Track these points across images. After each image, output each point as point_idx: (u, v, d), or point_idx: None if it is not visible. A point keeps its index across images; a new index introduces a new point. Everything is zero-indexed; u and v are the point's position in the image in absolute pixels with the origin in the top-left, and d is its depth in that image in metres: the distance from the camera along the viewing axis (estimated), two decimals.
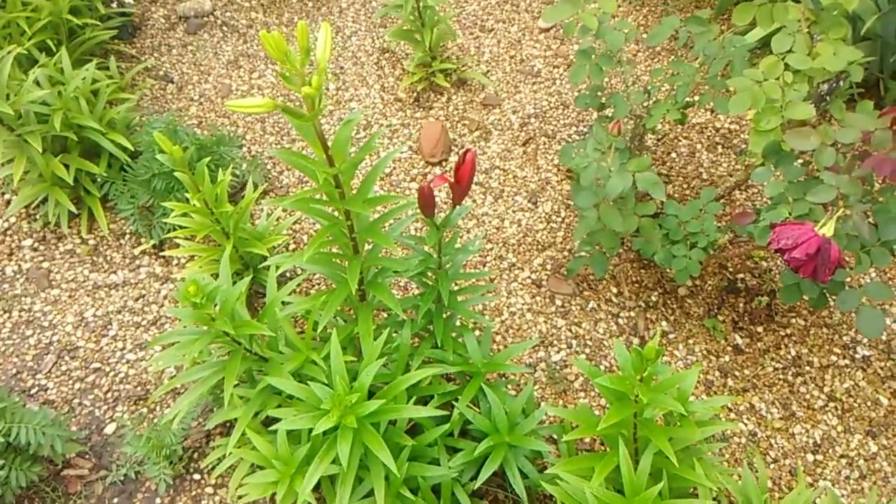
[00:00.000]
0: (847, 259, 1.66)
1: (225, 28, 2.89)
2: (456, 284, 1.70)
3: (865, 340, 1.98)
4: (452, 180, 1.43)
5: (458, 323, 1.71)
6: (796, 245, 1.37)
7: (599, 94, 2.12)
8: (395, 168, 2.40)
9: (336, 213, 1.51)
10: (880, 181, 1.55)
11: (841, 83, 1.75)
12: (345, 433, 1.29)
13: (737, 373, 1.92)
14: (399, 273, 1.57)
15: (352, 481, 1.37)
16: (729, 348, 1.97)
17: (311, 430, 1.38)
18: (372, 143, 1.40)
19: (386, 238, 1.47)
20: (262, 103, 1.23)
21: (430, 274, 1.58)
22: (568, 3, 1.80)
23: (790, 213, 1.59)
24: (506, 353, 1.63)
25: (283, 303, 1.62)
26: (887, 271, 2.11)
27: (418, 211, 1.45)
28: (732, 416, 1.84)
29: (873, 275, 2.11)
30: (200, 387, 1.51)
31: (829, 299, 1.71)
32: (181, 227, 1.87)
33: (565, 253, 2.17)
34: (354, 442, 1.31)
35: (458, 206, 1.51)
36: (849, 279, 1.97)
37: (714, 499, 1.49)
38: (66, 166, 2.15)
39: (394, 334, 1.65)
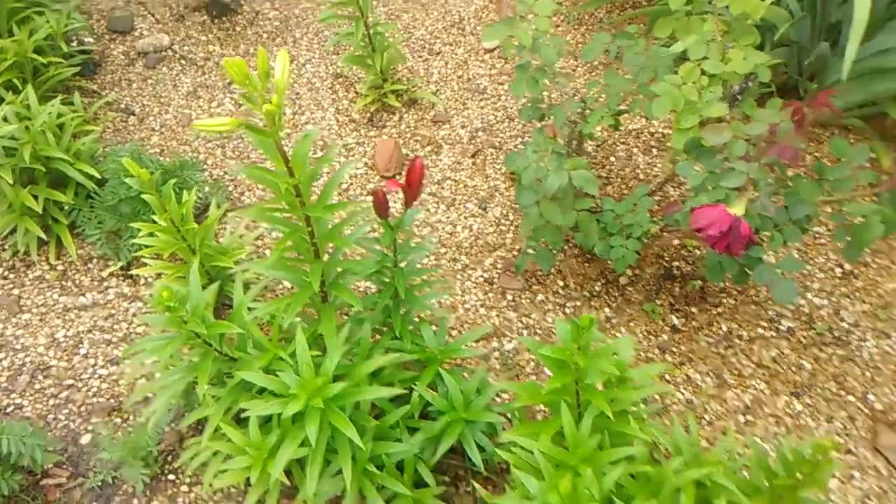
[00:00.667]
0: (763, 239, 1.83)
1: (183, 61, 3.01)
2: (411, 284, 1.82)
3: (789, 314, 2.16)
4: (404, 184, 1.58)
5: (415, 318, 1.84)
6: (711, 224, 1.54)
7: (541, 105, 2.29)
8: (352, 183, 2.54)
9: (297, 222, 1.64)
10: (788, 167, 1.73)
11: (750, 84, 1.94)
12: (312, 414, 1.40)
13: (674, 349, 2.08)
14: (358, 273, 1.70)
15: (321, 461, 1.48)
16: (667, 328, 2.13)
17: (281, 417, 1.49)
18: (329, 154, 1.55)
19: (345, 241, 1.60)
20: (227, 122, 1.38)
21: (386, 272, 1.71)
22: (504, 24, 1.96)
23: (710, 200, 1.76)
24: (460, 339, 1.77)
25: (248, 309, 1.74)
26: (810, 250, 2.30)
27: (374, 217, 1.58)
28: (671, 387, 1.99)
29: (796, 254, 2.29)
30: (175, 385, 1.61)
31: (749, 274, 1.87)
32: (149, 247, 1.98)
33: (514, 252, 2.32)
34: (322, 422, 1.42)
35: (409, 209, 1.65)
36: (766, 255, 2.14)
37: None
38: (35, 197, 2.24)
39: (355, 330, 1.77)
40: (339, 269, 1.74)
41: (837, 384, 2.03)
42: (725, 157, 1.70)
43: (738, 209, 1.54)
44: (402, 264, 1.70)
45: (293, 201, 1.55)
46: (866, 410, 1.98)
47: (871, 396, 2.01)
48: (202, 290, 1.65)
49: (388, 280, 1.71)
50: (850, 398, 2.00)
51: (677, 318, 2.16)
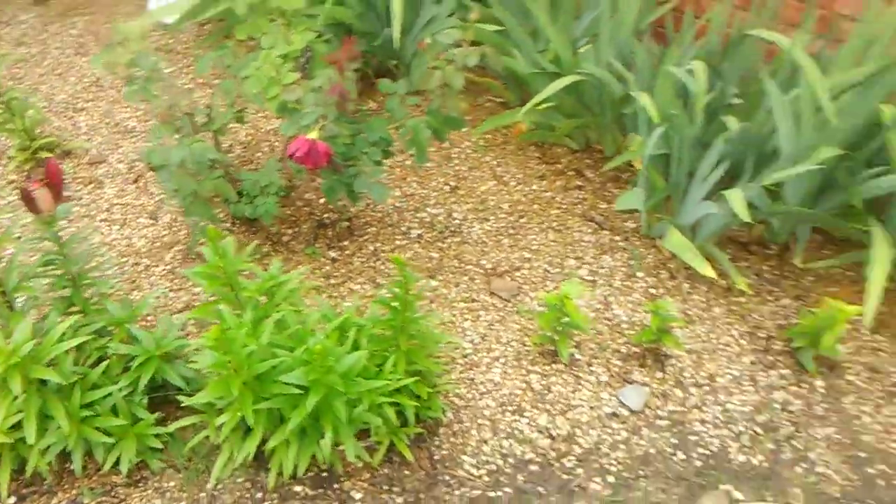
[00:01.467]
0: (357, 162, 2.42)
1: None
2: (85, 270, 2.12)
3: (417, 225, 2.81)
4: (46, 182, 1.91)
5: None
6: (298, 148, 2.08)
7: (175, 123, 2.70)
8: (24, 230, 2.73)
9: None
10: (344, 101, 2.34)
11: (310, 54, 2.55)
12: (12, 372, 1.67)
13: (336, 273, 2.61)
14: (30, 269, 1.97)
15: (34, 416, 1.74)
16: (328, 261, 2.65)
17: None
18: None
19: (11, 238, 1.88)
20: None
21: (59, 263, 2.00)
22: (104, 51, 2.36)
23: None
24: (142, 303, 2.11)
25: None
26: (424, 179, 2.99)
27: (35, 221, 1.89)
28: (339, 300, 2.51)
29: (415, 185, 2.96)
30: None
31: (357, 193, 2.46)
32: None
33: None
34: (23, 377, 1.69)
35: (60, 204, 1.98)
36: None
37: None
38: None
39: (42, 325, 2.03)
40: (20, 277, 2.00)
41: (459, 261, 2.70)
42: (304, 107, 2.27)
43: (313, 135, 2.10)
44: (71, 256, 2.01)
45: None
46: (481, 271, 2.67)
47: (483, 261, 2.70)
48: None
49: (61, 272, 2.00)
50: (469, 267, 2.68)
51: (334, 252, 2.70)
